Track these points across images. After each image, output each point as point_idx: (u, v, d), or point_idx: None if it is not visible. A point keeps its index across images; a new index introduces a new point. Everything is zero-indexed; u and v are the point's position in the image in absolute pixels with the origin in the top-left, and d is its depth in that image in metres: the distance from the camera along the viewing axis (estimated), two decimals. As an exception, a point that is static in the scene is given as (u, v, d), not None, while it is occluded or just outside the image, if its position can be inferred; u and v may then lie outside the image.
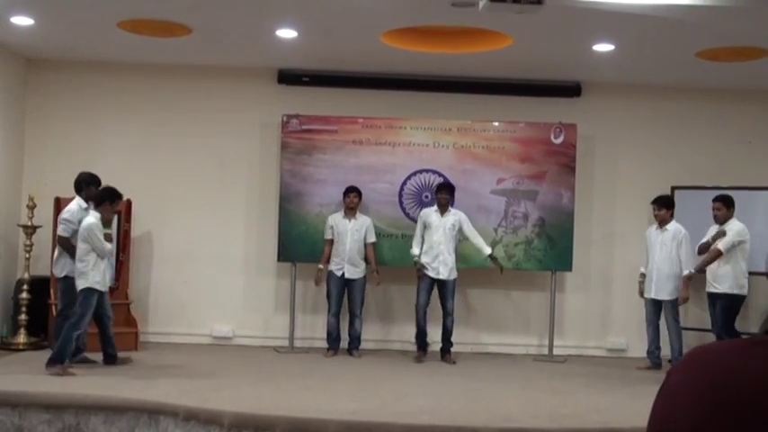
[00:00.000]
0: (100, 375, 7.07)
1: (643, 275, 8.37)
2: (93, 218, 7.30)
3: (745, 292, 7.92)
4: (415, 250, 8.52)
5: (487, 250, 8.53)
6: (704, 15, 6.74)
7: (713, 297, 8.02)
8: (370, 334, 8.86)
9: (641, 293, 8.39)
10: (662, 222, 8.23)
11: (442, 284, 8.46)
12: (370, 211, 8.81)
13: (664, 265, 8.14)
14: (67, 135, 9.26)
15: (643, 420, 4.68)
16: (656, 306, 8.23)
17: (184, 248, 9.24)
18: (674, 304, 8.16)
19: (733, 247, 7.85)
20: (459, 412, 6.14)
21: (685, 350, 9.23)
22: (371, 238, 8.70)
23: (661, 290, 8.15)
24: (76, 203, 7.55)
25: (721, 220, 7.93)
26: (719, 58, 8.04)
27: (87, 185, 7.59)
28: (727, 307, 7.79)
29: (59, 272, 7.49)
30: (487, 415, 6.09)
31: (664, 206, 8.25)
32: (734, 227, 7.90)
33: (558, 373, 8.14)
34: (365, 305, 8.78)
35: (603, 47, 7.97)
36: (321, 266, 8.65)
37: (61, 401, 6.23)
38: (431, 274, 8.41)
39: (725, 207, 7.91)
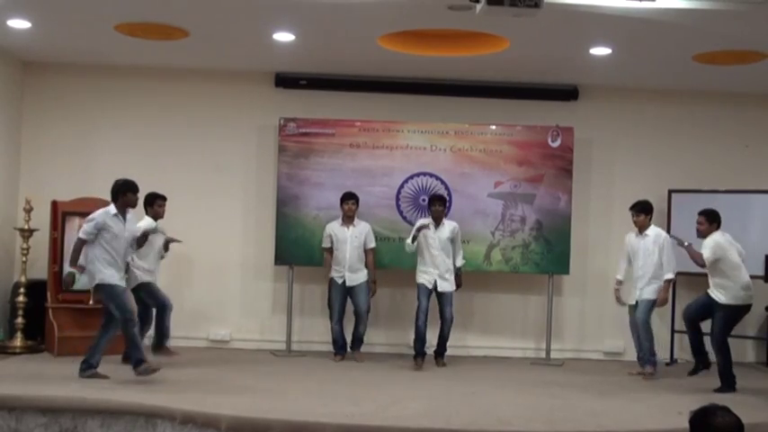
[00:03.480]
0: (96, 378, 7.04)
1: (620, 282, 8.26)
2: (143, 222, 7.81)
3: (743, 302, 7.53)
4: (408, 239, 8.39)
5: (459, 263, 8.50)
6: (701, 19, 6.76)
7: (713, 305, 7.61)
8: (368, 337, 8.82)
9: (618, 300, 8.28)
10: (641, 228, 8.09)
11: (440, 294, 8.39)
12: (367, 214, 8.78)
13: (648, 271, 8.00)
14: (64, 138, 9.26)
15: (639, 424, 4.69)
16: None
17: (181, 252, 9.21)
18: (651, 304, 8.03)
19: (713, 263, 7.45)
20: (456, 416, 6.13)
21: (677, 352, 9.24)
22: (371, 244, 8.64)
23: (643, 292, 8.03)
24: (104, 209, 7.20)
25: (703, 235, 7.59)
26: (716, 61, 8.06)
27: (123, 194, 7.18)
28: (723, 317, 7.52)
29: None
30: (484, 418, 6.09)
31: (642, 212, 8.10)
32: (707, 243, 7.48)
33: (555, 377, 8.13)
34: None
35: (600, 50, 7.99)
36: (330, 275, 8.59)
37: (58, 405, 6.22)
38: (429, 285, 8.32)
39: (707, 222, 7.57)
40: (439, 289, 8.34)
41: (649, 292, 8.02)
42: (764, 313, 9.27)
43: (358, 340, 8.67)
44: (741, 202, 8.89)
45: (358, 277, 8.54)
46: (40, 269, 8.71)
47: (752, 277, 8.47)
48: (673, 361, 9.06)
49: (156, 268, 8.12)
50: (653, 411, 6.53)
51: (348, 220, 8.55)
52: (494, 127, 9.15)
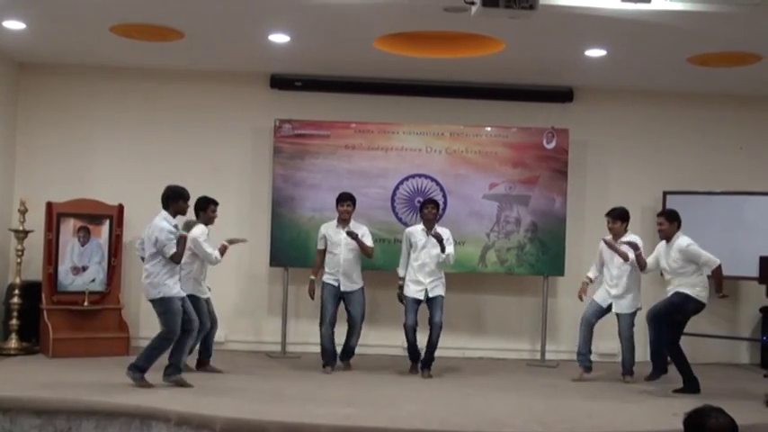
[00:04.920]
0: (91, 380, 7.04)
1: (590, 280, 8.08)
2: (197, 228, 7.51)
3: (698, 296, 7.45)
4: (401, 272, 8.11)
5: (449, 251, 7.99)
6: (695, 20, 6.78)
7: (684, 301, 7.50)
8: (362, 338, 8.80)
9: (581, 295, 8.06)
10: (616, 236, 7.88)
11: (431, 299, 7.98)
12: (362, 215, 8.70)
13: (622, 280, 7.85)
14: (59, 139, 9.24)
15: (634, 425, 4.69)
16: (600, 311, 7.97)
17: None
18: (632, 318, 7.88)
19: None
20: (451, 417, 6.13)
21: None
22: (369, 244, 8.17)
23: (620, 305, 7.88)
24: (164, 219, 6.96)
25: (667, 236, 7.55)
26: (710, 63, 8.07)
27: (176, 201, 7.03)
28: (671, 301, 7.50)
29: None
30: (479, 420, 6.09)
31: (619, 219, 7.87)
32: (694, 249, 7.44)
33: (551, 378, 8.13)
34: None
35: (595, 52, 8.00)
36: (312, 277, 8.13)
37: (53, 406, 6.21)
38: (419, 296, 7.96)
39: (668, 222, 7.52)
40: (430, 295, 7.96)
41: (627, 306, 7.88)
42: (759, 315, 9.28)
43: (349, 351, 8.22)
44: (736, 203, 8.92)
45: (353, 283, 8.11)
46: (34, 271, 8.70)
47: (747, 279, 8.52)
48: (668, 362, 9.05)
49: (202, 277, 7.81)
50: (648, 413, 6.55)
51: (343, 222, 8.15)
52: (489, 129, 9.16)
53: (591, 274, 8.15)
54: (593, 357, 9.31)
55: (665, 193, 9.14)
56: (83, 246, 8.73)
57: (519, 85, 9.37)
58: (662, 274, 7.97)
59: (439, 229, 8.10)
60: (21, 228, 8.53)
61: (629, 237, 7.91)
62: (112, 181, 9.12)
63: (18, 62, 9.17)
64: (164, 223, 6.92)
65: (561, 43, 7.75)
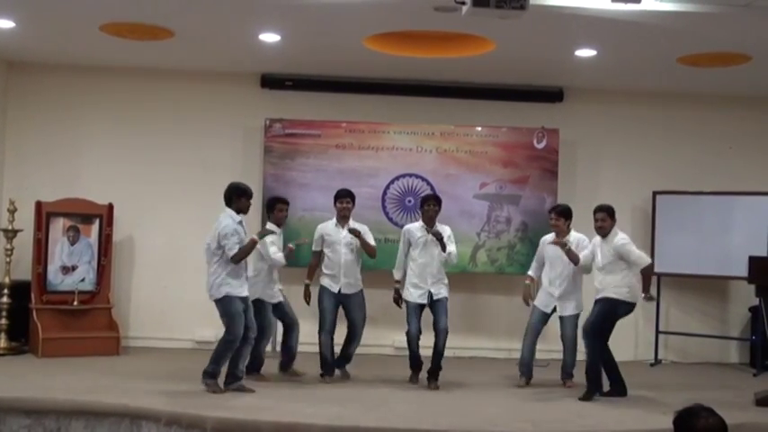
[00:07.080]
0: (81, 380, 7.02)
1: (531, 280, 7.86)
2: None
3: (626, 299, 7.21)
4: (397, 275, 7.70)
5: (450, 249, 7.64)
6: (685, 21, 6.80)
7: (612, 305, 7.25)
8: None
9: (527, 300, 7.78)
10: (560, 234, 7.64)
11: (434, 302, 7.56)
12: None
13: (566, 281, 7.62)
14: (48, 138, 9.21)
15: (623, 424, 4.70)
16: (544, 316, 7.78)
17: (166, 253, 9.20)
18: (576, 319, 7.68)
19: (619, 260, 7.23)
20: (442, 417, 6.14)
21: (661, 353, 9.27)
22: (372, 242, 7.77)
23: (564, 307, 7.67)
24: (229, 216, 6.91)
25: (605, 232, 7.30)
26: (700, 63, 8.10)
27: (238, 197, 6.94)
28: (601, 311, 7.22)
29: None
30: (470, 419, 6.11)
31: (562, 216, 7.64)
32: (614, 239, 7.26)
33: (541, 378, 8.14)
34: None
35: (586, 52, 8.02)
36: (308, 281, 7.71)
37: (42, 406, 6.20)
38: (421, 300, 7.52)
39: (610, 218, 7.30)
40: (434, 298, 7.54)
41: (573, 308, 7.68)
42: (748, 314, 9.31)
43: (348, 357, 7.82)
44: (725, 203, 8.94)
45: (354, 285, 7.69)
46: (23, 270, 8.65)
47: (736, 278, 8.54)
48: (657, 361, 9.09)
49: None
50: (637, 412, 6.57)
51: (343, 219, 7.73)
52: (479, 128, 9.18)
53: (532, 273, 7.91)
54: (582, 357, 9.34)
55: (654, 193, 9.17)
56: (72, 245, 8.70)
57: (509, 85, 9.38)
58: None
59: (439, 226, 7.62)
60: (10, 227, 8.49)
61: (573, 236, 7.70)
62: (102, 180, 9.10)
63: (7, 61, 9.13)
64: (228, 220, 6.86)
65: (551, 43, 7.76)
